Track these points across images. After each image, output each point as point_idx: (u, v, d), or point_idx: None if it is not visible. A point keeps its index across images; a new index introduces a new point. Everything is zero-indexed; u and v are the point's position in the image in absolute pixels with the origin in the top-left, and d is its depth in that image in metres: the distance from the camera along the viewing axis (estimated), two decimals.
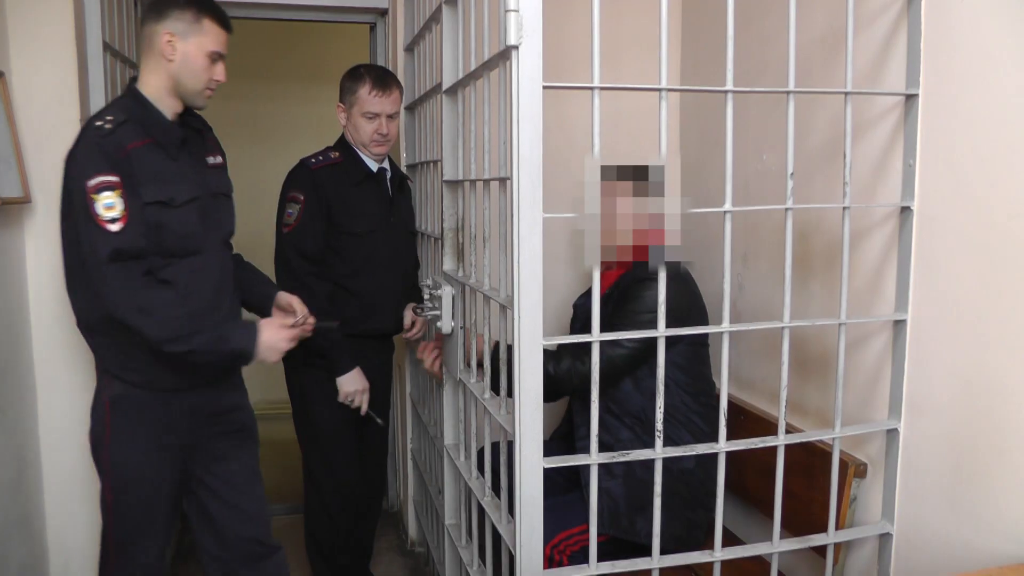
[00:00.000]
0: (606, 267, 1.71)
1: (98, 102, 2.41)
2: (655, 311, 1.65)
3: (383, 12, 3.37)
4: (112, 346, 1.93)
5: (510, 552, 1.69)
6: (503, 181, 1.67)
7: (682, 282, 2.28)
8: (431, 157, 2.57)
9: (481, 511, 1.97)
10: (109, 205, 1.76)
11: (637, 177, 1.66)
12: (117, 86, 2.61)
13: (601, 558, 1.70)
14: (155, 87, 1.92)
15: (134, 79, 1.95)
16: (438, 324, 2.13)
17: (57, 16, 2.37)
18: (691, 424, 2.23)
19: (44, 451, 2.48)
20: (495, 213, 1.80)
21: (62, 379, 2.46)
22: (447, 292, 2.09)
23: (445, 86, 2.04)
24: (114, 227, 1.76)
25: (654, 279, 1.78)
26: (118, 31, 2.64)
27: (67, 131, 2.37)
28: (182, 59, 1.89)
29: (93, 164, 1.78)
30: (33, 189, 2.34)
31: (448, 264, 2.16)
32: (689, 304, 2.27)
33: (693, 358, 2.30)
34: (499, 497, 1.83)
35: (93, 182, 1.75)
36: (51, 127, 2.37)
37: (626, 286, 2.20)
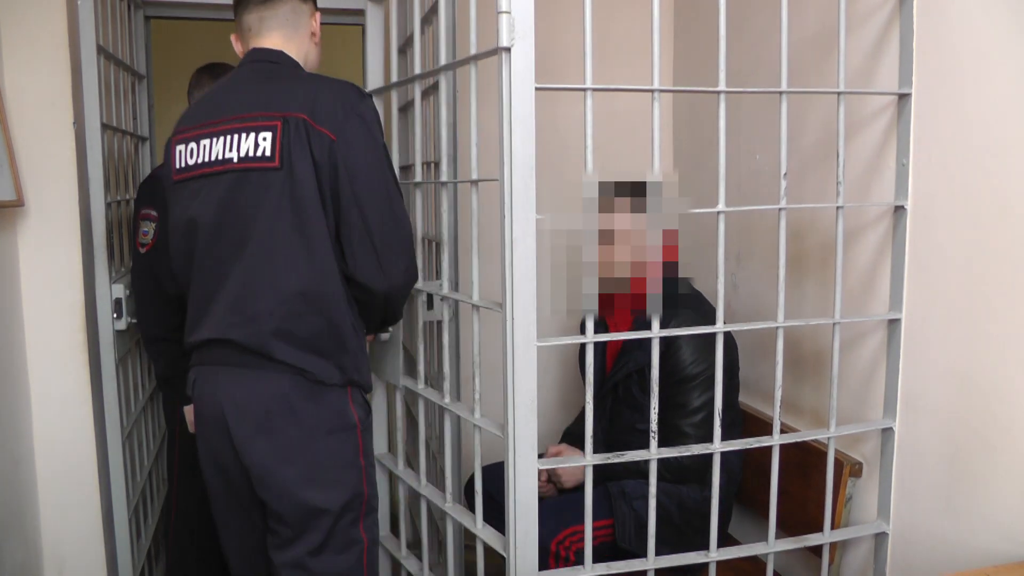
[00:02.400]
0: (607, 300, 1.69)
1: (92, 105, 2.40)
2: (702, 361, 1.80)
3: None
4: (355, 336, 1.70)
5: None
6: (475, 183, 1.68)
7: (703, 312, 2.17)
8: (424, 158, 2.56)
9: (431, 520, 1.96)
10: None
11: (635, 194, 1.67)
12: (111, 89, 2.60)
13: (603, 558, 1.70)
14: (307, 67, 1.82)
15: (271, 52, 1.76)
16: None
17: (50, 19, 2.35)
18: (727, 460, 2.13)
19: (38, 455, 2.46)
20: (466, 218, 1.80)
21: (56, 383, 2.45)
22: None
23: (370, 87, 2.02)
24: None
25: (678, 324, 1.85)
26: (111, 34, 2.63)
27: (60, 134, 2.37)
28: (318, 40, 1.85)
29: (380, 127, 1.70)
30: (26, 192, 2.33)
31: None
32: (727, 343, 2.13)
33: (731, 390, 2.22)
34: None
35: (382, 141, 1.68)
36: (44, 130, 2.36)
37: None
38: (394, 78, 2.35)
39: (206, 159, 1.64)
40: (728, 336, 2.15)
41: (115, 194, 2.74)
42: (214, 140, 1.63)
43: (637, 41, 2.87)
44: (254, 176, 1.61)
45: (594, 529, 1.88)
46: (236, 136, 1.62)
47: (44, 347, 2.43)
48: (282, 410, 1.61)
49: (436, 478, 2.15)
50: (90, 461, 2.50)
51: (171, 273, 1.77)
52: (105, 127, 2.50)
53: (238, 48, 1.79)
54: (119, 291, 2.57)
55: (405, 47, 2.73)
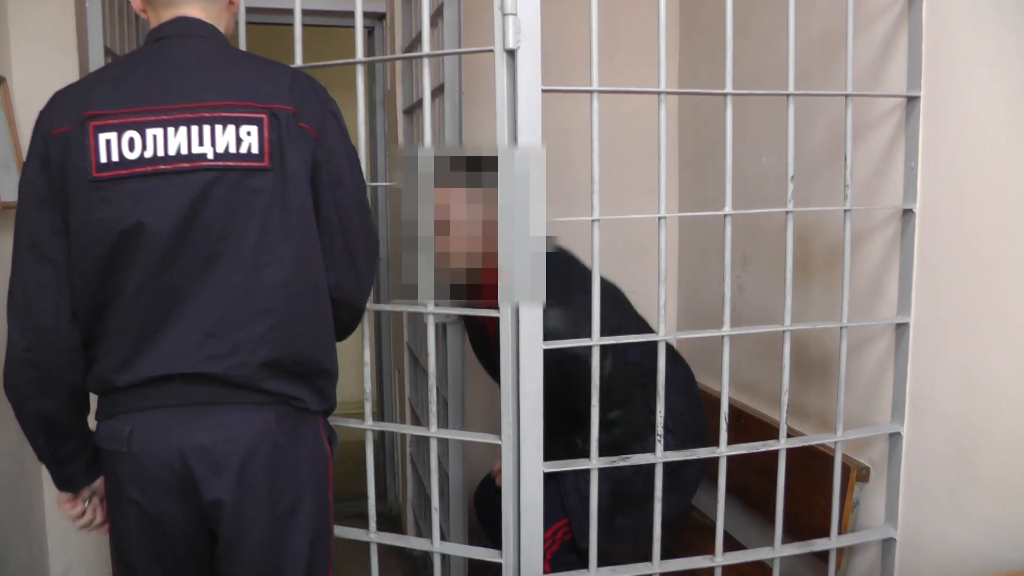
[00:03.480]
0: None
1: None
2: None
3: (381, 16, 3.37)
4: (335, 360, 1.51)
5: None
6: None
7: (573, 276, 1.94)
8: None
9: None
10: None
11: (471, 168, 1.55)
12: None
13: (566, 562, 1.69)
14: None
15: (199, 25, 1.44)
16: None
17: (59, 21, 2.36)
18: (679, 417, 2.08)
19: None
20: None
21: None
22: None
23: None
24: None
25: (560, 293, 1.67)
26: (119, 34, 2.64)
27: None
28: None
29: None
30: None
31: None
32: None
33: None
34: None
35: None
36: None
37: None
38: (399, 80, 2.34)
39: (159, 153, 1.31)
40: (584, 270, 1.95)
41: None
42: (170, 130, 1.32)
43: (642, 41, 2.87)
44: (234, 177, 1.34)
45: (555, 531, 1.87)
46: (207, 127, 1.33)
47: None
48: (267, 449, 1.37)
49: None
50: None
51: (78, 298, 1.36)
52: None
53: (138, 5, 1.45)
54: None
55: (412, 47, 2.73)
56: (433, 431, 1.67)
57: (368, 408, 1.77)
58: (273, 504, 1.38)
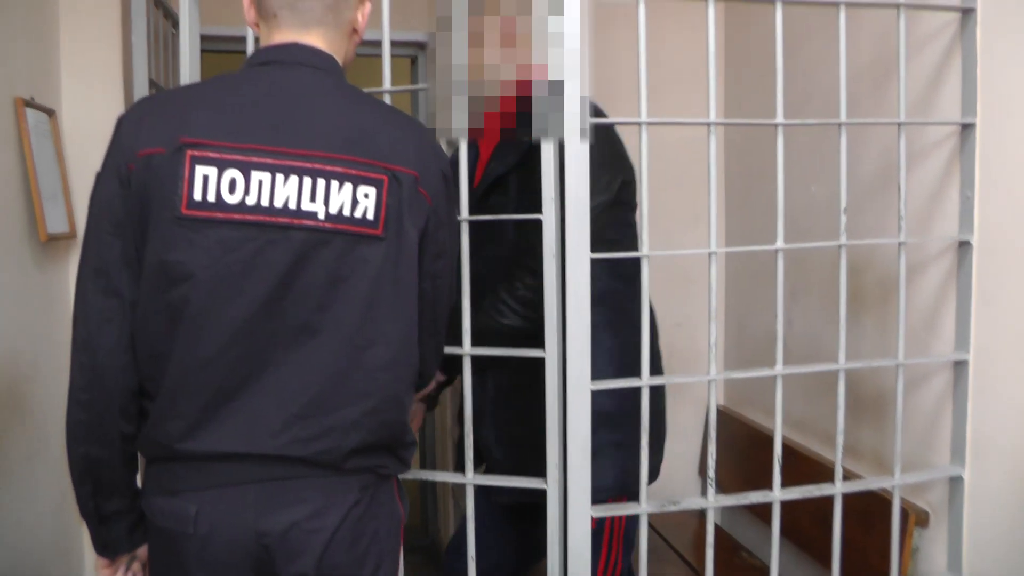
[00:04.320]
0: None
1: None
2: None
3: (422, 45, 3.39)
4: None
5: None
6: None
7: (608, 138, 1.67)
8: None
9: None
10: None
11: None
12: None
13: None
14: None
15: (318, 55, 1.26)
16: None
17: (107, 55, 2.40)
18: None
19: None
20: None
21: None
22: None
23: None
24: None
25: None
26: (163, 67, 2.67)
27: None
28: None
29: None
30: (79, 224, 2.36)
31: None
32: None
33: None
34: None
35: None
36: (97, 164, 2.39)
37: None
38: None
39: (263, 202, 1.15)
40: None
41: None
42: (279, 177, 1.15)
43: (686, 69, 2.84)
44: (343, 242, 1.18)
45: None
46: (322, 182, 1.16)
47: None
48: (351, 522, 1.23)
49: None
50: None
51: (138, 341, 1.20)
52: None
53: (251, 17, 1.29)
54: None
55: None
56: (469, 478, 1.62)
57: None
58: (354, 573, 1.25)
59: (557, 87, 1.42)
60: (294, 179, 1.15)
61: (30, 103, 2.10)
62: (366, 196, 1.18)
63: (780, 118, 1.63)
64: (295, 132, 1.17)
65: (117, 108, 2.39)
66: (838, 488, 1.72)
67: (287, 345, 1.18)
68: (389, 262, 1.20)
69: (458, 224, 1.37)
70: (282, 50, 1.24)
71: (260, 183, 1.15)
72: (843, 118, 1.67)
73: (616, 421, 1.63)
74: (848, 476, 1.86)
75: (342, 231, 1.17)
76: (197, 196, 1.13)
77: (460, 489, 3.06)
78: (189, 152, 1.14)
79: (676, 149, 2.61)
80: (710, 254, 1.59)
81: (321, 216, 1.16)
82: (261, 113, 1.18)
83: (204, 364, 1.16)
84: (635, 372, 1.54)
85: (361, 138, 1.20)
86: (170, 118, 1.17)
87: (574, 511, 1.49)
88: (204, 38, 3.24)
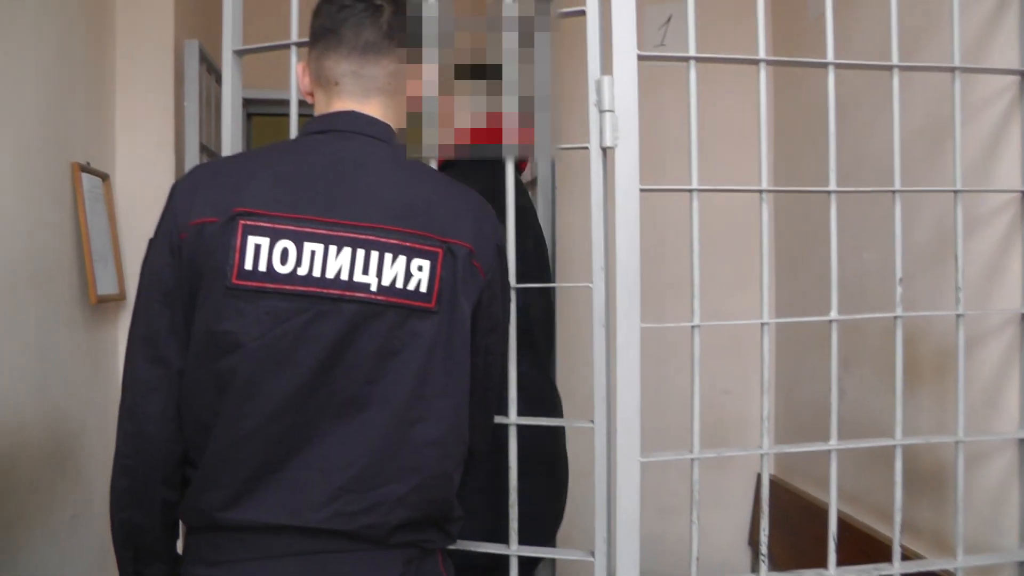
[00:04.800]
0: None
1: None
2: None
3: None
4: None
5: None
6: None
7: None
8: None
9: None
10: None
11: (475, 76, 1.30)
12: None
13: None
14: None
15: (376, 125, 1.26)
16: None
17: (160, 121, 2.46)
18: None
19: None
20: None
21: None
22: None
23: None
24: None
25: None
26: (215, 132, 2.73)
27: None
28: None
29: None
30: (128, 287, 2.39)
31: None
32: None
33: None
34: None
35: None
36: (147, 227, 2.40)
37: None
38: None
39: (314, 273, 1.13)
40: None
41: None
42: (331, 249, 1.14)
43: (735, 133, 2.83)
44: (396, 315, 1.16)
45: None
46: (375, 254, 1.15)
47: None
48: None
49: None
50: None
51: (184, 410, 1.19)
52: None
53: (305, 86, 1.31)
54: None
55: None
56: (514, 549, 1.57)
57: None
58: None
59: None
60: (347, 251, 1.14)
61: (86, 168, 2.15)
62: (420, 269, 1.16)
63: (833, 185, 1.60)
64: (350, 203, 1.16)
65: (169, 172, 2.44)
66: (896, 568, 1.64)
67: (334, 418, 1.15)
68: (442, 336, 1.18)
69: (510, 298, 1.35)
70: (341, 118, 1.24)
71: (312, 254, 1.14)
72: (897, 185, 1.64)
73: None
74: (907, 555, 1.77)
75: (394, 304, 1.15)
76: (248, 266, 1.12)
77: None
78: (242, 222, 1.13)
79: (723, 213, 2.59)
80: (762, 324, 1.55)
81: (373, 288, 1.15)
82: (316, 183, 1.17)
83: (250, 435, 1.14)
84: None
85: (416, 210, 1.18)
86: (223, 187, 1.16)
87: None
88: (256, 101, 3.33)
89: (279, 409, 1.14)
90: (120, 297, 2.31)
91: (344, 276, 1.14)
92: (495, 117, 1.32)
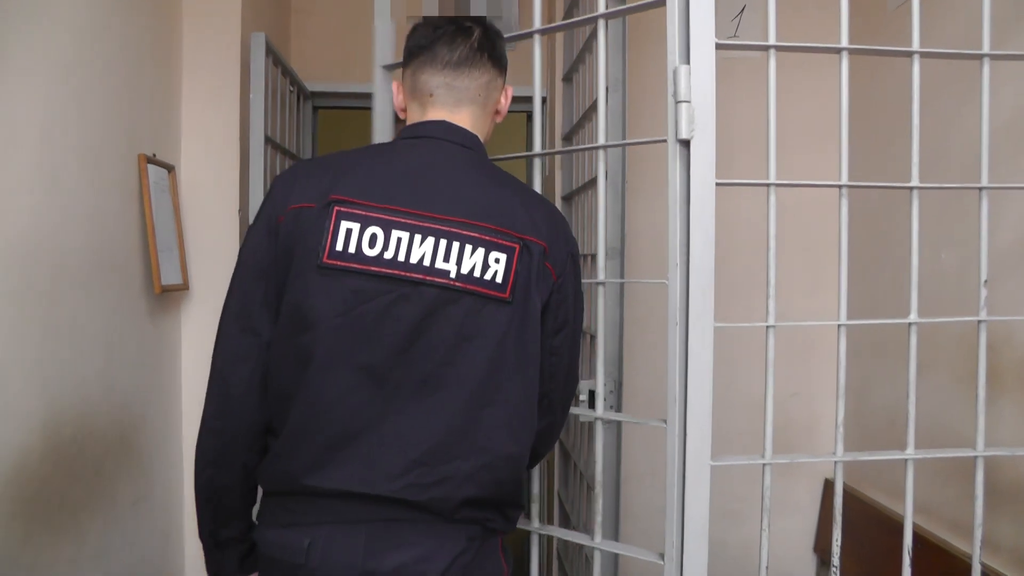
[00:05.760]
0: None
1: (257, 193, 2.48)
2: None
3: (541, 101, 3.39)
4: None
5: None
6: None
7: None
8: (587, 250, 2.49)
9: None
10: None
11: None
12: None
13: None
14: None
15: (465, 135, 1.37)
16: None
17: (225, 114, 2.47)
18: None
19: (187, 532, 2.50)
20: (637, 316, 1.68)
21: None
22: None
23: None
24: None
25: None
26: (280, 124, 2.74)
27: (226, 221, 2.45)
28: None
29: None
30: (191, 277, 2.41)
31: None
32: None
33: None
34: None
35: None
36: (211, 218, 2.45)
37: None
38: (558, 167, 2.30)
39: (399, 257, 1.23)
40: None
41: None
42: (416, 237, 1.23)
43: (808, 128, 2.75)
44: (472, 302, 1.24)
45: None
46: (456, 244, 1.24)
47: (197, 427, 2.47)
48: (457, 568, 1.26)
49: None
50: None
51: (267, 379, 1.29)
52: None
53: (399, 102, 1.42)
54: None
55: (572, 133, 2.70)
56: (597, 541, 1.56)
57: (535, 510, 1.67)
58: None
59: None
60: (431, 240, 1.23)
61: (152, 159, 2.17)
62: (497, 261, 1.24)
63: (915, 181, 1.52)
64: (436, 199, 1.25)
65: (233, 165, 2.46)
66: None
67: (411, 395, 1.23)
68: (515, 325, 1.25)
69: (583, 303, 1.39)
70: (433, 126, 1.34)
71: (399, 240, 1.23)
72: (984, 182, 1.55)
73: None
74: (987, 573, 1.69)
75: (471, 291, 1.23)
76: (339, 247, 1.22)
77: (564, 550, 2.97)
78: (336, 208, 1.23)
79: (791, 211, 2.51)
80: (839, 326, 1.48)
81: (452, 275, 1.23)
82: (406, 180, 1.27)
83: (330, 406, 1.22)
84: None
85: (496, 209, 1.27)
86: (322, 179, 1.27)
87: None
88: (321, 95, 3.34)
89: (358, 383, 1.22)
90: (183, 287, 2.33)
91: (427, 262, 1.22)
92: None
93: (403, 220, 1.23)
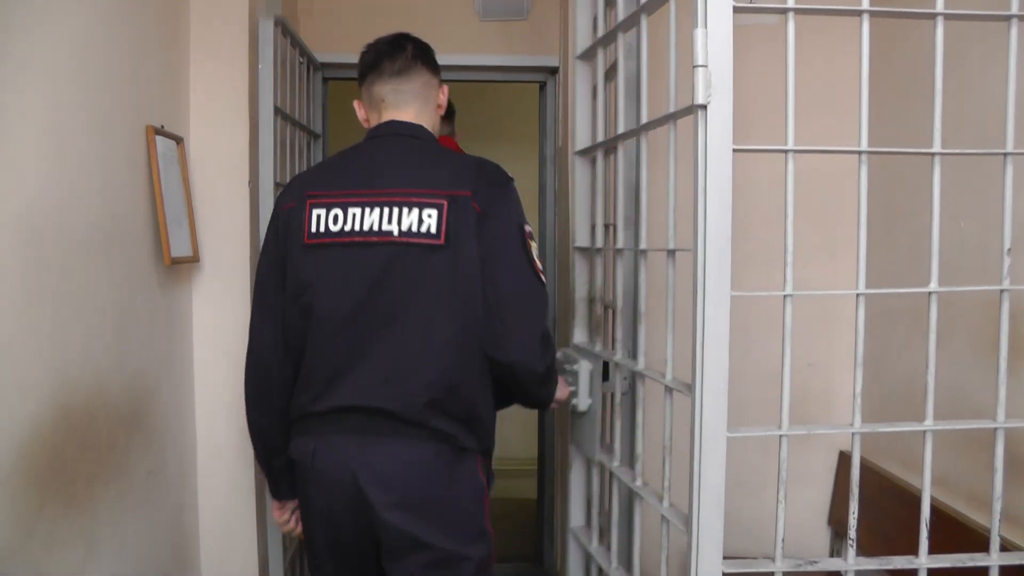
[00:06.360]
0: None
1: (267, 165, 2.46)
2: None
3: (553, 71, 3.36)
4: (490, 408, 1.73)
5: None
6: (671, 252, 1.55)
7: None
8: (607, 221, 2.47)
9: None
10: (537, 255, 1.70)
11: None
12: (287, 148, 2.66)
13: None
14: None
15: (411, 127, 1.77)
16: (573, 401, 1.98)
17: (234, 84, 2.44)
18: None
19: (201, 503, 2.51)
20: (658, 286, 1.66)
21: (218, 435, 2.49)
22: (584, 367, 1.95)
23: (579, 147, 1.92)
24: (543, 276, 1.68)
25: None
26: (289, 95, 2.71)
27: (236, 193, 2.43)
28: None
29: (521, 211, 1.72)
30: (202, 249, 2.40)
31: (579, 336, 2.02)
32: None
33: None
34: None
35: (527, 228, 1.70)
36: (221, 190, 2.44)
37: None
38: (571, 136, 2.27)
39: (354, 227, 1.62)
40: None
41: None
42: (366, 210, 1.62)
43: (825, 93, 2.70)
44: (417, 252, 1.60)
45: None
46: (396, 210, 1.61)
47: (211, 398, 2.48)
48: (426, 476, 1.61)
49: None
50: (249, 512, 2.53)
51: (286, 338, 1.72)
52: (279, 186, 2.55)
53: (362, 115, 1.81)
54: None
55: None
56: (665, 506, 1.61)
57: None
58: (434, 521, 1.62)
59: None
60: (377, 210, 1.63)
61: (160, 131, 2.14)
62: (429, 216, 1.61)
63: (937, 146, 1.49)
64: (380, 180, 1.66)
65: (242, 136, 2.43)
66: (994, 559, 1.54)
67: (379, 330, 1.62)
68: (450, 263, 1.60)
69: (519, 233, 1.65)
70: (385, 126, 1.77)
71: (354, 215, 1.64)
72: (1009, 147, 1.51)
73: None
74: (1005, 546, 1.67)
75: (414, 243, 1.61)
76: (313, 229, 1.66)
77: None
78: (309, 201, 1.68)
79: (806, 179, 2.46)
80: (857, 296, 1.45)
81: (396, 233, 1.62)
82: (361, 170, 1.70)
83: (324, 348, 1.65)
84: None
85: (426, 178, 1.65)
86: (302, 183, 1.75)
87: (704, 571, 1.37)
88: (331, 66, 3.30)
89: (343, 328, 1.63)
90: (194, 259, 2.31)
91: (375, 227, 1.63)
92: None
93: (355, 200, 1.64)
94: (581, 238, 2.00)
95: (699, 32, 1.32)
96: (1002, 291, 1.54)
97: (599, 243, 2.02)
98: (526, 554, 3.92)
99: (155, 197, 2.10)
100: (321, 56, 3.15)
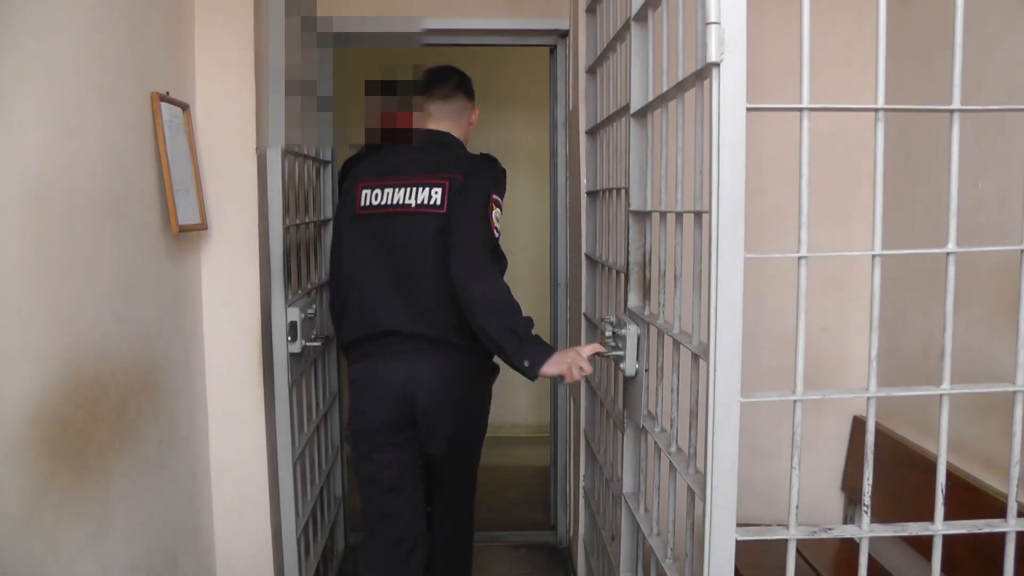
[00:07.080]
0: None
1: (277, 133, 2.44)
2: None
3: (564, 34, 3.31)
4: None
5: None
6: (698, 215, 1.52)
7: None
8: (614, 184, 2.43)
9: (660, 570, 1.80)
10: (498, 217, 2.33)
11: (386, 92, 2.47)
12: (294, 117, 2.63)
13: None
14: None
15: (443, 134, 2.53)
16: (621, 365, 1.97)
17: (240, 51, 2.41)
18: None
19: (214, 472, 2.52)
20: (689, 248, 1.63)
21: (231, 402, 2.49)
22: (632, 332, 1.93)
23: (634, 108, 1.88)
24: (496, 233, 2.31)
25: None
26: (298, 63, 2.67)
27: (242, 161, 2.41)
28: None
29: (499, 187, 2.38)
30: (210, 216, 2.38)
31: (633, 301, 1.99)
32: None
33: None
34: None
35: (495, 197, 2.34)
36: (228, 157, 2.41)
37: None
38: (582, 100, 2.25)
39: (390, 202, 2.37)
40: None
41: (294, 218, 2.77)
42: (396, 190, 2.37)
43: (839, 52, 2.65)
44: (427, 219, 2.33)
45: None
46: (414, 189, 2.35)
47: (221, 366, 2.47)
48: (449, 374, 2.39)
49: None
50: (262, 480, 2.53)
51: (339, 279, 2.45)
52: (287, 152, 2.53)
53: (416, 122, 2.50)
54: (294, 314, 2.59)
55: (595, 67, 2.62)
56: (691, 472, 1.61)
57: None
58: (452, 404, 2.41)
59: None
60: (402, 189, 2.37)
61: (165, 98, 2.12)
62: (435, 192, 2.35)
63: (956, 103, 1.45)
64: (409, 169, 2.40)
65: (248, 103, 2.41)
66: (1012, 525, 1.52)
67: (401, 279, 2.36)
68: (443, 229, 2.31)
69: (481, 205, 2.31)
70: (425, 133, 2.51)
71: (388, 193, 2.39)
72: None
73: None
74: (1022, 511, 1.65)
75: (424, 213, 2.35)
76: (363, 204, 2.41)
77: (590, 488, 2.97)
78: (360, 183, 2.43)
79: (825, 141, 2.42)
80: (873, 257, 1.42)
81: (413, 205, 2.36)
82: (399, 162, 2.43)
83: (369, 297, 2.39)
84: None
85: (436, 165, 2.39)
86: (356, 171, 2.48)
87: (717, 538, 1.36)
88: (344, 35, 3.26)
89: (382, 280, 2.38)
90: (202, 226, 2.30)
91: (400, 201, 2.38)
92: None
93: (390, 182, 2.39)
94: (636, 202, 1.96)
95: None
96: (1021, 251, 1.50)
97: (648, 206, 1.98)
98: (538, 521, 3.95)
99: (161, 164, 2.08)
100: (331, 22, 3.11)
